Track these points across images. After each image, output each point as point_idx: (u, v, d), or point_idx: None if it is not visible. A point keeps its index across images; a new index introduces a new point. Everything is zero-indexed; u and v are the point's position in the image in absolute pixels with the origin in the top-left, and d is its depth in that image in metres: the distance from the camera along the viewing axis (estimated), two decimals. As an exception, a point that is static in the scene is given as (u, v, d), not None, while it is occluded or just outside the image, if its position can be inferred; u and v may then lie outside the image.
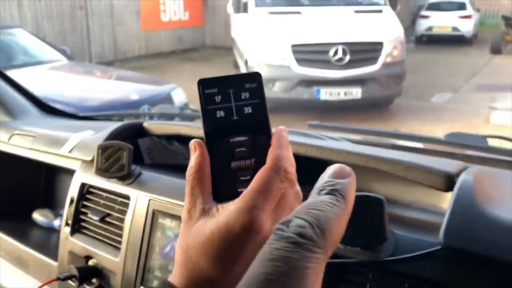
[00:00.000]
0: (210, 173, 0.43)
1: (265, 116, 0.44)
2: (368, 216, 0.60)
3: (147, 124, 1.05)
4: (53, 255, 1.10)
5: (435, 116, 6.01)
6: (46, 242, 1.23)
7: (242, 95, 0.44)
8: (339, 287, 0.64)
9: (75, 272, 0.89)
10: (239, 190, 0.42)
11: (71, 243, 0.98)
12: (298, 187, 0.45)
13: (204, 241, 0.41)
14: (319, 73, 5.78)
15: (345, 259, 0.64)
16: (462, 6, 13.62)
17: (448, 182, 0.68)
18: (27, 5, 9.07)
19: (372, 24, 6.26)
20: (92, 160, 0.99)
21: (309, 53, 5.83)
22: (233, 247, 0.40)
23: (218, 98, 0.44)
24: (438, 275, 0.60)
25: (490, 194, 0.65)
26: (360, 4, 6.99)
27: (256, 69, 5.96)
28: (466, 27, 13.28)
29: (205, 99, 0.43)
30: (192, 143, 0.44)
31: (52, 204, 1.40)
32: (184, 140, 1.07)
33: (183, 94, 4.88)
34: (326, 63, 5.78)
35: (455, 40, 13.12)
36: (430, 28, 13.52)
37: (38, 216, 1.34)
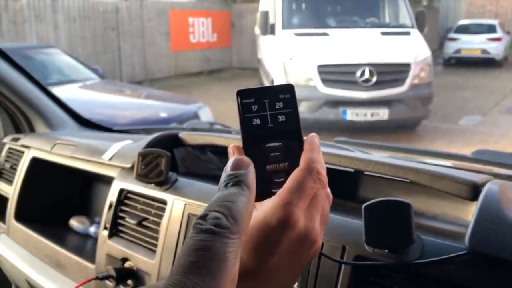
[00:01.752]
0: None
1: (297, 124, 0.48)
2: (396, 220, 0.63)
3: (183, 134, 1.10)
4: (90, 259, 1.15)
5: (463, 138, 5.93)
6: (83, 247, 1.28)
7: (276, 105, 0.48)
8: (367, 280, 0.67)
9: (112, 272, 0.94)
10: (273, 191, 0.46)
11: (108, 246, 1.03)
12: (328, 190, 0.49)
13: None
14: (346, 94, 5.80)
15: (373, 261, 0.66)
16: (491, 29, 13.49)
17: (473, 191, 0.71)
18: (63, 26, 9.44)
19: (399, 46, 6.27)
20: (131, 168, 1.05)
21: (336, 74, 5.87)
22: (269, 239, 0.44)
23: (254, 107, 0.48)
24: (463, 279, 0.62)
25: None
26: (387, 26, 7.02)
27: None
28: (496, 50, 13.12)
29: (243, 108, 0.47)
30: (230, 148, 0.48)
31: (88, 211, 1.46)
32: (216, 150, 1.12)
33: (210, 112, 4.97)
34: (353, 84, 5.80)
35: (484, 63, 12.96)
36: (458, 51, 13.41)
37: (74, 222, 1.40)
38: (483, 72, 11.88)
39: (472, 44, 13.21)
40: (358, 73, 5.76)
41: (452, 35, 13.82)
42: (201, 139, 1.07)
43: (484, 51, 13.15)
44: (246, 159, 0.42)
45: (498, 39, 13.22)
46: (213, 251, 0.32)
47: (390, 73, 5.95)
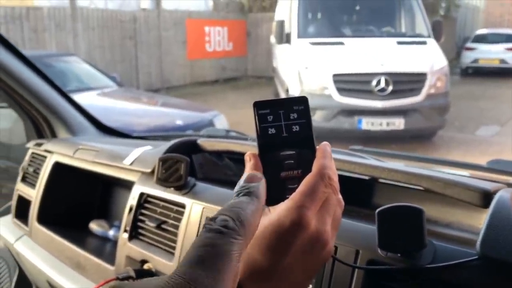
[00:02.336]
0: None
1: (310, 133, 0.51)
2: (408, 224, 0.65)
3: (201, 141, 1.13)
4: (109, 261, 1.18)
5: (479, 149, 5.87)
6: (102, 249, 1.32)
7: (291, 115, 0.51)
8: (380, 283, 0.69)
9: (132, 273, 0.97)
10: (287, 196, 0.49)
11: (128, 248, 1.07)
12: (340, 196, 0.51)
13: (258, 235, 0.47)
14: (361, 103, 5.79)
15: (386, 265, 0.68)
16: (510, 38, 13.34)
17: (485, 198, 0.72)
18: (82, 35, 9.63)
19: (415, 55, 6.25)
20: (151, 172, 1.08)
21: (351, 83, 5.87)
22: (283, 240, 0.46)
23: (270, 118, 0.51)
24: (474, 284, 0.63)
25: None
26: (403, 35, 7.02)
27: (297, 98, 6.04)
28: (514, 60, 12.96)
29: (259, 118, 0.50)
30: (247, 155, 0.51)
31: (107, 215, 1.50)
32: (233, 157, 1.15)
33: (225, 120, 5.01)
34: (368, 93, 5.79)
35: (503, 73, 12.80)
36: (476, 60, 13.29)
37: (94, 226, 1.44)
38: (501, 82, 11.73)
39: (490, 54, 13.08)
40: (374, 82, 5.75)
41: (469, 44, 13.71)
42: (218, 146, 1.10)
43: (502, 61, 13.01)
44: (259, 174, 0.45)
45: (516, 49, 13.07)
46: (218, 248, 0.34)
47: (406, 83, 5.93)
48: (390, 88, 5.75)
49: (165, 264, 0.96)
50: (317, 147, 0.51)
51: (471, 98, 9.25)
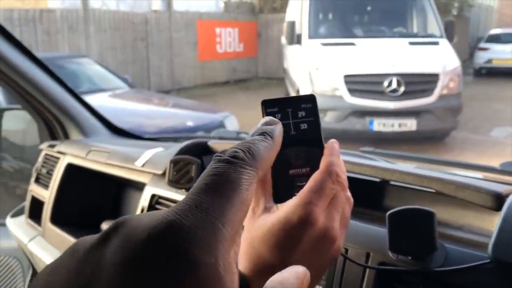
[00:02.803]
0: (271, 179, 0.50)
1: (318, 131, 0.51)
2: (419, 227, 0.65)
3: (212, 143, 1.14)
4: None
5: (493, 150, 5.81)
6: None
7: (299, 114, 0.51)
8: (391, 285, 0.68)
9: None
10: (295, 193, 0.49)
11: (140, 248, 1.08)
12: (349, 193, 0.52)
13: (266, 232, 0.48)
14: (373, 104, 5.76)
15: (397, 266, 0.68)
16: (523, 38, 13.19)
17: (497, 201, 0.72)
18: (94, 37, 9.72)
19: (427, 56, 6.21)
20: (162, 174, 1.09)
21: (363, 84, 5.84)
22: (290, 237, 0.46)
23: (278, 116, 0.50)
24: (486, 284, 0.63)
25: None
26: (415, 36, 6.97)
27: (308, 99, 6.03)
28: (528, 60, 12.80)
29: (267, 116, 0.50)
30: None
31: (119, 216, 1.51)
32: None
33: (236, 121, 5.02)
34: (380, 94, 5.76)
35: (517, 73, 12.65)
36: (489, 61, 13.15)
37: (106, 226, 1.45)
38: (515, 83, 11.59)
39: (503, 54, 12.93)
40: (386, 83, 5.72)
41: (482, 44, 13.57)
42: (229, 147, 1.10)
43: (516, 61, 12.86)
44: (276, 120, 0.43)
45: (530, 49, 12.90)
46: (225, 176, 0.33)
47: (418, 83, 5.88)
48: (402, 89, 5.71)
49: (176, 265, 0.97)
50: (325, 145, 0.52)
51: (484, 98, 9.15)
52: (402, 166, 0.93)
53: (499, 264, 0.63)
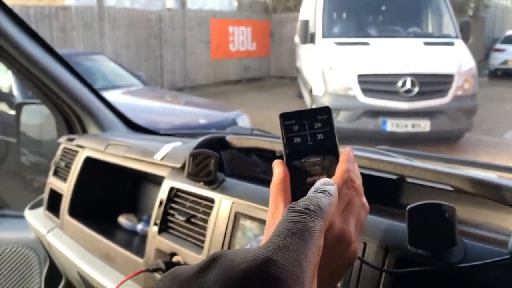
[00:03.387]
0: (290, 186, 0.54)
1: (334, 141, 0.54)
2: (439, 222, 0.65)
3: (229, 137, 1.15)
4: (138, 254, 1.21)
5: (507, 152, 5.74)
6: (131, 243, 1.35)
7: (315, 125, 0.54)
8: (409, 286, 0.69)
9: (162, 265, 0.99)
10: None
11: (158, 240, 1.09)
12: (364, 199, 0.55)
13: None
14: (386, 104, 5.73)
15: (415, 263, 0.68)
16: (540, 40, 13.01)
17: (519, 198, 0.72)
18: (108, 34, 9.81)
19: (442, 56, 6.15)
20: (181, 167, 1.11)
21: (376, 84, 5.81)
22: None
23: (295, 128, 0.54)
24: (506, 284, 0.63)
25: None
26: (430, 36, 6.91)
27: (320, 98, 6.03)
28: (545, 62, 12.62)
29: (286, 128, 0.54)
30: (275, 163, 0.55)
31: (135, 209, 1.53)
32: (261, 154, 1.16)
33: (248, 120, 5.03)
34: (394, 94, 5.72)
35: (533, 75, 12.48)
36: (505, 62, 12.98)
37: (123, 220, 1.48)
38: (531, 85, 11.43)
39: (519, 55, 12.77)
40: (400, 83, 5.69)
41: (498, 45, 13.41)
42: (247, 142, 1.11)
43: (532, 62, 12.69)
44: (332, 181, 0.49)
45: (547, 51, 12.72)
46: (304, 224, 0.39)
47: (433, 84, 5.84)
48: (416, 89, 5.68)
49: (194, 257, 0.98)
50: (341, 151, 0.55)
51: (499, 100, 9.05)
52: (420, 163, 0.93)
53: (519, 260, 0.63)
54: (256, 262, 0.33)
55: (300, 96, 8.62)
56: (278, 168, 0.54)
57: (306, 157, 0.54)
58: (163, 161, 1.17)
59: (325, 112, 0.55)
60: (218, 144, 1.15)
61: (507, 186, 0.74)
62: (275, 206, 0.53)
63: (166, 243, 1.06)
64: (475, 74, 6.13)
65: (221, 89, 11.45)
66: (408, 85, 5.68)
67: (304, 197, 0.44)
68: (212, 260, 0.33)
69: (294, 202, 0.43)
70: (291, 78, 11.36)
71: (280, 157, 0.55)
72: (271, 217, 0.54)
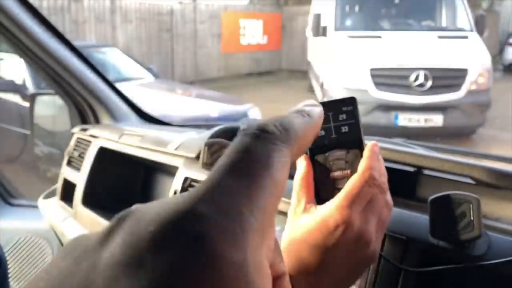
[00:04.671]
0: (313, 180, 0.52)
1: (359, 134, 0.52)
2: (463, 213, 0.64)
3: (244, 127, 1.14)
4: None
5: (522, 148, 5.67)
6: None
7: (339, 117, 0.52)
8: (431, 281, 0.67)
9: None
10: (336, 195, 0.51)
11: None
12: (389, 197, 0.53)
13: (304, 232, 0.50)
14: (398, 98, 5.68)
15: (437, 253, 0.67)
16: (556, 34, 12.79)
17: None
18: (120, 27, 9.84)
19: (456, 50, 6.07)
20: (195, 157, 1.10)
21: (389, 78, 5.76)
22: (327, 238, 0.49)
23: None
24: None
25: None
26: (444, 29, 6.83)
27: (332, 92, 5.99)
28: (561, 56, 12.42)
29: None
30: None
31: (148, 200, 1.53)
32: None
33: (259, 114, 5.02)
34: (406, 88, 5.67)
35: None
36: (519, 57, 12.81)
37: (136, 210, 1.47)
38: (546, 80, 11.26)
39: (535, 50, 12.58)
40: (412, 77, 5.63)
41: (513, 40, 13.23)
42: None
43: (548, 57, 12.49)
44: (317, 103, 0.37)
45: None
46: (253, 153, 0.27)
47: (446, 78, 5.77)
48: (429, 83, 5.61)
49: (209, 248, 0.98)
50: (366, 144, 0.52)
51: (513, 95, 8.92)
52: (440, 154, 0.92)
53: (546, 253, 0.61)
54: (171, 218, 0.21)
55: (311, 90, 8.58)
56: (300, 162, 0.52)
57: (330, 151, 0.52)
58: (177, 151, 1.16)
59: (351, 103, 0.52)
60: (233, 135, 1.13)
61: (533, 178, 0.72)
62: (297, 201, 0.52)
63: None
64: (490, 68, 6.05)
65: (232, 82, 11.44)
66: (421, 79, 5.62)
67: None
68: (118, 221, 0.23)
69: (249, 124, 0.30)
70: (302, 72, 11.30)
71: None
72: (293, 212, 0.53)
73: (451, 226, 0.64)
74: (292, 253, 0.50)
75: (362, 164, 0.51)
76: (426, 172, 1.02)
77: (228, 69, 12.17)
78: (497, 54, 13.54)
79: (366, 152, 0.51)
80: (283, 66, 13.71)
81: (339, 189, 0.51)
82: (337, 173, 0.52)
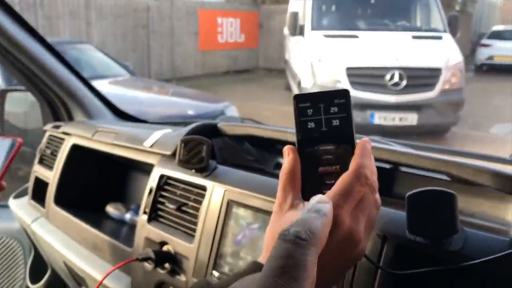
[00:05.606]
0: (301, 175, 0.50)
1: (350, 128, 0.50)
2: (439, 209, 0.64)
3: (221, 124, 1.12)
4: (126, 243, 1.18)
5: (493, 146, 5.80)
6: (119, 232, 1.32)
7: (331, 109, 0.50)
8: (408, 276, 0.67)
9: (152, 255, 0.97)
10: (324, 191, 0.49)
11: (147, 229, 1.06)
12: (378, 196, 0.51)
13: None
14: (374, 97, 5.74)
15: (414, 248, 0.67)
16: (526, 36, 13.15)
17: (518, 185, 0.70)
18: (94, 24, 9.65)
19: (430, 50, 6.18)
20: (171, 155, 1.08)
21: (364, 77, 5.82)
22: None
23: (310, 111, 0.50)
24: (508, 271, 0.62)
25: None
26: (418, 30, 6.93)
27: (309, 91, 6.01)
28: (530, 57, 12.77)
29: (299, 111, 0.50)
30: (285, 149, 0.51)
31: (124, 198, 1.50)
32: (254, 142, 1.14)
33: (236, 112, 5.00)
34: (382, 87, 5.74)
35: (518, 71, 12.62)
36: (491, 57, 13.12)
37: (111, 209, 1.44)
38: (516, 80, 11.57)
39: (505, 51, 12.89)
40: (388, 77, 5.70)
41: (485, 41, 13.53)
42: (239, 130, 1.09)
43: (517, 58, 12.83)
44: (327, 199, 0.46)
45: (532, 47, 12.87)
46: (296, 259, 0.38)
47: (420, 78, 5.87)
48: (404, 82, 5.70)
49: (185, 246, 0.96)
50: (357, 142, 0.50)
51: (485, 95, 9.14)
52: (417, 151, 0.92)
53: (521, 248, 0.61)
54: None
55: (288, 88, 8.60)
56: (289, 155, 0.51)
57: (319, 145, 0.50)
58: (153, 148, 1.14)
59: (343, 96, 0.50)
60: (210, 132, 1.12)
61: (507, 173, 0.73)
62: (283, 196, 0.51)
63: (156, 232, 1.03)
64: (463, 68, 6.18)
65: (209, 80, 11.37)
66: (396, 79, 5.69)
67: (296, 221, 0.42)
68: None
69: (285, 229, 0.41)
70: (279, 71, 11.31)
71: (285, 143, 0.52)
72: (278, 207, 0.51)
73: (428, 222, 0.64)
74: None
75: (355, 162, 0.49)
76: (403, 169, 1.02)
77: (205, 67, 12.09)
78: (469, 55, 13.85)
79: (358, 149, 0.50)
80: (260, 65, 13.71)
81: (327, 185, 0.49)
82: (325, 168, 0.50)
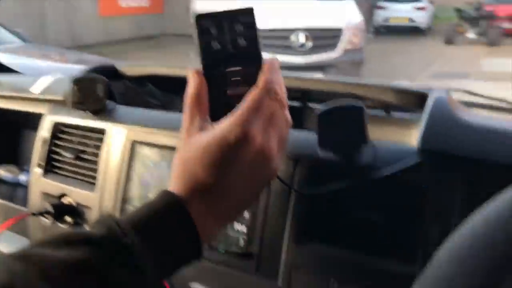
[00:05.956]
0: (208, 99, 0.48)
1: (257, 48, 0.49)
2: (349, 123, 0.63)
3: (120, 65, 1.03)
4: (23, 204, 1.07)
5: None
6: (14, 195, 1.19)
7: (236, 29, 0.48)
8: (322, 196, 0.66)
9: (50, 208, 0.87)
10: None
11: (43, 183, 0.96)
12: (288, 113, 0.51)
13: (201, 151, 0.46)
14: (283, 59, 5.80)
15: (327, 167, 0.66)
16: (417, -2, 14.06)
17: (421, 98, 0.72)
18: (-25, -13, 8.62)
19: (332, 11, 6.36)
20: (63, 100, 0.97)
21: (270, 38, 5.85)
22: (227, 155, 0.45)
23: (214, 31, 0.47)
24: (417, 179, 0.63)
25: (459, 106, 0.69)
26: (321, -9, 7.07)
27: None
28: (421, 19, 13.73)
29: (202, 32, 0.47)
30: (189, 72, 0.49)
31: (16, 160, 1.35)
32: (158, 84, 1.07)
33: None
34: (289, 49, 5.83)
35: (411, 32, 13.53)
36: (387, 19, 13.90)
37: (2, 172, 1.30)
38: (410, 40, 12.41)
39: (399, 13, 13.74)
40: (293, 38, 5.79)
41: (380, 3, 14.26)
42: (141, 70, 1.01)
43: (410, 19, 13.73)
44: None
45: (422, 8, 13.84)
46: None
47: (324, 38, 6.03)
48: (310, 43, 5.82)
49: (87, 195, 0.88)
50: (264, 62, 0.49)
51: (383, 55, 9.69)
52: (326, 78, 0.91)
53: (427, 154, 0.63)
54: None
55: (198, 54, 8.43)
56: (193, 78, 0.48)
57: (226, 66, 0.47)
58: (42, 95, 1.02)
59: (248, 14, 0.48)
60: (108, 74, 1.02)
61: (411, 89, 0.74)
62: (190, 121, 0.48)
63: (53, 185, 0.94)
64: (363, 28, 6.44)
65: (114, 48, 10.77)
66: (302, 40, 5.80)
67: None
68: None
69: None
70: (188, 36, 11.02)
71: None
72: (185, 133, 0.48)
73: (338, 136, 0.63)
74: (187, 176, 0.46)
75: (263, 78, 0.47)
76: (312, 105, 1.02)
77: (107, 33, 11.43)
78: (369, 18, 14.53)
79: (266, 67, 0.48)
80: (168, 30, 13.26)
81: (237, 107, 0.47)
82: (234, 90, 0.48)
